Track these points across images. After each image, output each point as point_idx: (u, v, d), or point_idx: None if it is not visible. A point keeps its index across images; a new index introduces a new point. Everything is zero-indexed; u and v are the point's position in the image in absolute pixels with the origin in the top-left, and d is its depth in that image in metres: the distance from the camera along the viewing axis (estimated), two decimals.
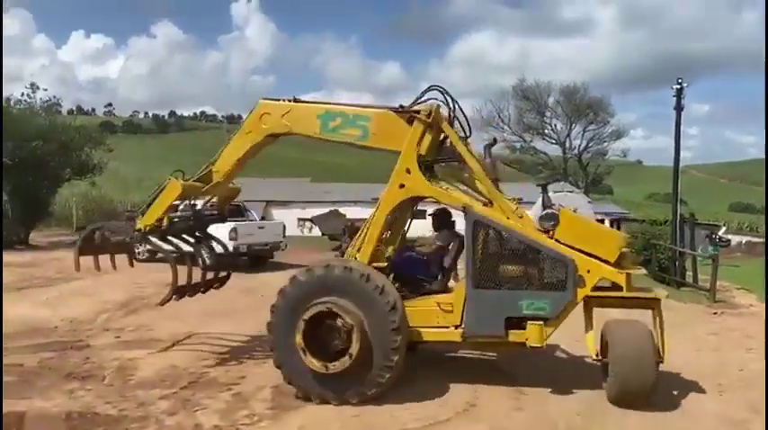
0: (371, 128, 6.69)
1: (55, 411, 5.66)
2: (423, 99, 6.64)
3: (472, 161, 6.55)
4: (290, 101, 7.15)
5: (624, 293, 6.02)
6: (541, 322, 6.03)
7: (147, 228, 7.26)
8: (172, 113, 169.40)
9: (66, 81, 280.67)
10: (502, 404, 6.05)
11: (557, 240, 6.13)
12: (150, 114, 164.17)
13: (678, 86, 16.95)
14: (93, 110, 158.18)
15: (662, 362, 5.95)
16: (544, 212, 6.44)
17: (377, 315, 5.88)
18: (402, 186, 6.48)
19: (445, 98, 6.61)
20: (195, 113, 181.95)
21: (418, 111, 6.50)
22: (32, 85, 23.83)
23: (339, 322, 5.83)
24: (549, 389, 6.47)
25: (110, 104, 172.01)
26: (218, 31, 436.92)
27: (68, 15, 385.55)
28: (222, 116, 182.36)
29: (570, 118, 63.27)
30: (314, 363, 5.84)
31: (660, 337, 6.05)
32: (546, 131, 64.64)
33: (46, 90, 24.57)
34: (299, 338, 5.85)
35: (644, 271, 7.31)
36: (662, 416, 5.78)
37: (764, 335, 8.13)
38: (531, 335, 6.01)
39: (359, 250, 6.52)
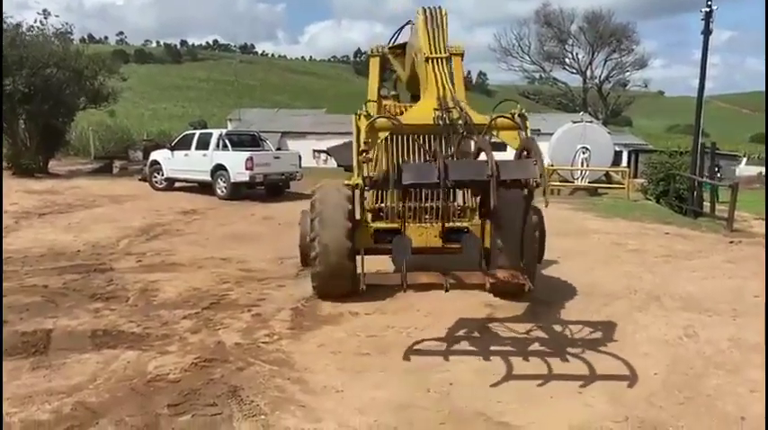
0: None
1: (81, 329, 5.84)
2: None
3: None
4: None
5: None
6: None
7: None
8: (183, 42, 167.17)
9: (72, 8, 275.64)
10: (516, 326, 6.15)
11: None
12: (162, 43, 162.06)
13: (707, 9, 16.30)
14: (106, 38, 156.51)
15: None
16: None
17: None
18: None
19: None
20: (208, 42, 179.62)
21: None
22: (44, 11, 23.44)
23: None
24: (564, 312, 6.58)
25: (121, 33, 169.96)
26: None
27: None
28: (234, 46, 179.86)
29: (593, 46, 61.50)
30: None
31: None
32: (567, 60, 63.05)
33: (57, 17, 24.21)
34: None
35: None
36: (675, 339, 5.85)
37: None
38: None
39: None
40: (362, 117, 5.21)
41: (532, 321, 6.30)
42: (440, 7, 5.90)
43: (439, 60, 5.60)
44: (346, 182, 6.42)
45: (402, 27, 7.88)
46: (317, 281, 6.74)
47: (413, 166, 4.51)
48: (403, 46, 7.86)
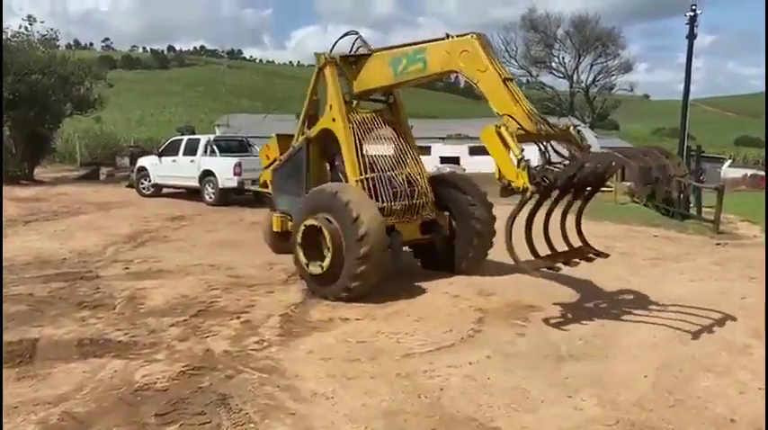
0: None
1: (67, 338, 5.77)
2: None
3: None
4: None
5: None
6: None
7: None
8: (171, 48, 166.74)
9: (57, 14, 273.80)
10: (506, 331, 6.15)
11: None
12: (149, 49, 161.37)
13: (692, 14, 16.44)
14: (92, 44, 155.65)
15: None
16: None
17: None
18: None
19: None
20: (195, 48, 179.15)
21: None
22: (30, 17, 23.33)
23: None
24: (554, 316, 6.58)
25: (107, 39, 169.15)
26: None
27: None
28: (222, 51, 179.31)
29: (579, 50, 61.97)
30: None
31: None
32: (553, 65, 63.48)
33: (43, 23, 24.02)
34: None
35: None
36: (664, 341, 5.87)
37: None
38: None
39: None
40: (504, 127, 6.03)
41: (522, 325, 6.31)
42: (484, 34, 6.89)
43: (512, 80, 6.62)
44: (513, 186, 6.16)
45: (342, 37, 8.51)
46: (367, 275, 6.87)
47: (646, 171, 5.55)
48: (356, 56, 8.27)
